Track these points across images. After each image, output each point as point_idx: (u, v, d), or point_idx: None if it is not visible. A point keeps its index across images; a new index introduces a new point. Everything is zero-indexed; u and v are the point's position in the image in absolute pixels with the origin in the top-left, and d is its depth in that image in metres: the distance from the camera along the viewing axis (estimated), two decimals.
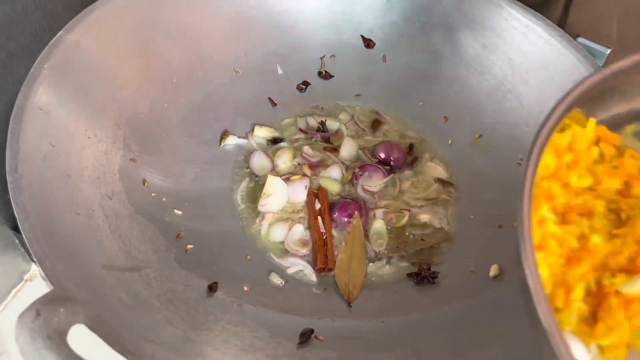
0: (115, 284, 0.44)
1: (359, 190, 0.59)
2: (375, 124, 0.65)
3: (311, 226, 0.55)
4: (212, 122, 0.61)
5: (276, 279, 0.52)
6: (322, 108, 0.66)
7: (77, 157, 0.49)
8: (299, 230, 0.55)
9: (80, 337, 0.37)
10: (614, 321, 0.38)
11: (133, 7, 0.55)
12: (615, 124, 0.49)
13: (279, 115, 0.64)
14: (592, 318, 0.40)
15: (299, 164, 0.60)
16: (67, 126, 0.49)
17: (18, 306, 0.54)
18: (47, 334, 0.34)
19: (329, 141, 0.63)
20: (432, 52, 0.65)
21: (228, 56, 0.63)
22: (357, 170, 0.60)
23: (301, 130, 0.63)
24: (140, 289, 0.45)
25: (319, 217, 0.55)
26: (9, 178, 0.42)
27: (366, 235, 0.56)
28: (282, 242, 0.55)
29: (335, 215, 0.56)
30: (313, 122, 0.64)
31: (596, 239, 0.41)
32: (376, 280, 0.53)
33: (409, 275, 0.53)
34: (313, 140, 0.62)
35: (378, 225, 0.56)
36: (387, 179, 0.60)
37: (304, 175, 0.59)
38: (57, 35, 0.50)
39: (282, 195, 0.56)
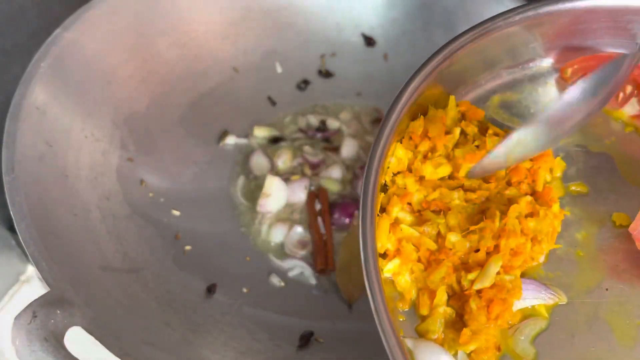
0: (113, 286, 0.44)
1: (360, 190, 0.58)
2: (377, 123, 0.64)
3: (311, 227, 0.55)
4: (210, 121, 0.60)
5: (276, 281, 0.51)
6: (323, 107, 0.65)
7: (74, 157, 0.48)
8: (298, 231, 0.54)
9: (77, 339, 0.37)
10: (477, 325, 0.37)
11: (131, 4, 0.55)
12: (481, 97, 0.47)
13: (278, 114, 0.63)
14: (460, 321, 0.38)
15: (298, 163, 0.60)
16: (64, 125, 0.48)
17: (14, 308, 0.54)
18: (44, 336, 0.34)
19: (330, 140, 0.62)
20: (433, 50, 0.64)
21: (227, 54, 0.62)
22: (357, 170, 0.59)
23: (301, 130, 0.62)
24: (138, 290, 0.45)
25: (319, 218, 0.55)
26: (5, 178, 0.42)
27: None
28: (282, 243, 0.54)
29: (336, 215, 0.55)
30: (313, 121, 0.63)
31: (452, 238, 0.39)
32: None
33: None
34: (313, 139, 0.62)
35: None
36: None
37: (304, 175, 0.58)
38: (54, 33, 0.49)
39: (281, 195, 0.56)
